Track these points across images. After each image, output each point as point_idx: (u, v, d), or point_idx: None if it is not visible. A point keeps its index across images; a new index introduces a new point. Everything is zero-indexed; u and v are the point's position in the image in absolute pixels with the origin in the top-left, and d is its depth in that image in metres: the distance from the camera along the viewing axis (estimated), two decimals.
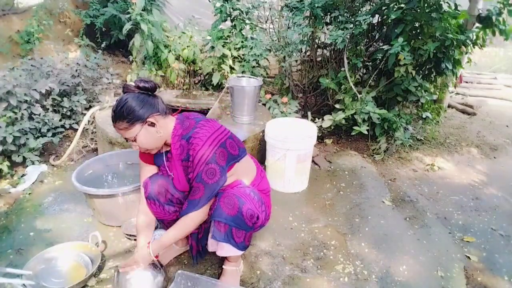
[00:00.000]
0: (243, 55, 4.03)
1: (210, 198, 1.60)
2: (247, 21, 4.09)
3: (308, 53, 3.99)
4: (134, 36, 3.80)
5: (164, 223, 1.87)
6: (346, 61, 3.38)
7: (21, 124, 2.74)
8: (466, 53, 3.57)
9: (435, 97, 3.72)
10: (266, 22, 4.17)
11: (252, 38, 4.04)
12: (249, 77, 3.12)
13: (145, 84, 1.54)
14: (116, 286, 1.65)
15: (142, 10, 3.73)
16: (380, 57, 3.25)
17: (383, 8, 3.30)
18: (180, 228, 1.64)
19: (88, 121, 3.15)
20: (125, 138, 1.57)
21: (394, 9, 3.15)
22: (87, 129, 3.22)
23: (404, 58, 2.98)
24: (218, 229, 1.58)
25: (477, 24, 3.44)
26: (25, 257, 1.93)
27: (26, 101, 2.80)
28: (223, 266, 1.83)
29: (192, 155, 1.56)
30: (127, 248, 2.05)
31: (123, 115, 1.50)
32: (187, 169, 1.64)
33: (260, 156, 2.89)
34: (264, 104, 3.56)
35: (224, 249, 1.67)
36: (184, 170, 1.66)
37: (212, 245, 1.72)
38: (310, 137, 2.62)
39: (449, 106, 4.65)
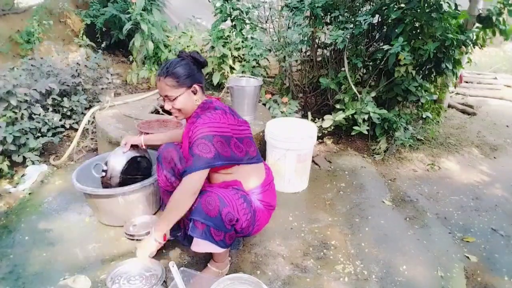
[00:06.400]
0: (243, 55, 4.03)
1: (199, 169, 1.53)
2: (247, 21, 4.09)
3: (308, 53, 3.98)
4: (134, 36, 3.81)
5: (164, 200, 1.89)
6: (346, 61, 3.38)
7: (21, 124, 2.74)
8: (466, 53, 3.56)
9: (435, 97, 3.71)
10: (266, 22, 4.17)
11: (252, 38, 4.05)
12: (249, 77, 3.13)
13: (198, 58, 1.70)
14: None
15: (142, 10, 3.74)
16: (380, 57, 3.25)
17: (383, 8, 3.30)
18: (173, 195, 1.56)
19: (88, 121, 3.15)
20: (165, 95, 1.64)
21: (394, 9, 3.14)
22: (87, 129, 3.22)
23: (404, 58, 2.98)
24: (196, 226, 1.57)
25: (477, 24, 3.43)
26: (25, 257, 1.93)
27: (26, 101, 2.80)
28: (208, 264, 1.82)
29: (192, 130, 1.61)
30: (128, 249, 2.05)
31: (175, 74, 1.61)
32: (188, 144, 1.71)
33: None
34: (264, 104, 3.56)
35: (200, 246, 1.63)
36: (188, 145, 1.72)
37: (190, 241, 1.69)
38: (310, 137, 2.62)
39: (449, 106, 4.64)
